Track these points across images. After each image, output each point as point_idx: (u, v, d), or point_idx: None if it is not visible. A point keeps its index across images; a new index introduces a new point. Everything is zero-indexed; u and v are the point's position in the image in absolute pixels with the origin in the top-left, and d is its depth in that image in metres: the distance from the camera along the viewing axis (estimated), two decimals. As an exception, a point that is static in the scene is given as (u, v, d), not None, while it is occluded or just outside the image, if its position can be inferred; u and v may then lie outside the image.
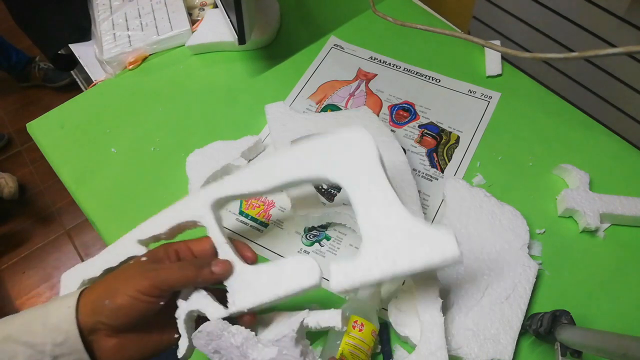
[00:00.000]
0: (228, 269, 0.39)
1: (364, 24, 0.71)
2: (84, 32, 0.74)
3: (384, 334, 0.46)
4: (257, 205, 0.55)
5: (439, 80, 0.65)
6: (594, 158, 0.57)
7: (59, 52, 0.77)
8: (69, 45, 0.74)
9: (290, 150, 0.42)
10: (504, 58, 0.66)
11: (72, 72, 0.96)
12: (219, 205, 0.43)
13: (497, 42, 0.62)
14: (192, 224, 0.43)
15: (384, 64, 0.67)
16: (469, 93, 0.63)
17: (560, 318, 0.42)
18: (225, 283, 0.39)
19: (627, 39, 0.82)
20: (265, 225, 0.53)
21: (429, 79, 0.65)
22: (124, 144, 0.61)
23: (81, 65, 0.73)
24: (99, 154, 0.61)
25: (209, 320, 0.38)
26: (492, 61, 0.65)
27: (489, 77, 0.65)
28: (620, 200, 0.51)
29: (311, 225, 0.52)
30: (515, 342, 0.44)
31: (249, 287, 0.39)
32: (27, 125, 0.64)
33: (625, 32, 0.82)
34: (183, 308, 0.39)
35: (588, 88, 0.95)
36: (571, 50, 0.83)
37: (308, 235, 0.52)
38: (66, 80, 1.81)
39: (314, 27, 0.72)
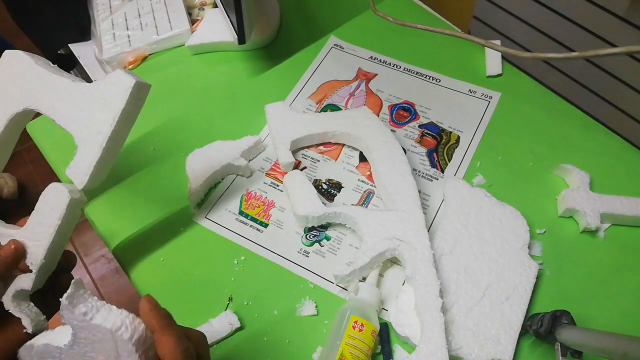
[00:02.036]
0: (16, 246, 0.40)
1: (364, 24, 0.71)
2: (84, 31, 0.74)
3: (384, 334, 0.46)
4: (257, 205, 0.55)
5: (439, 80, 0.65)
6: (594, 158, 0.57)
7: (59, 52, 0.77)
8: (69, 45, 0.74)
9: None
10: (504, 58, 0.66)
11: (72, 72, 0.96)
12: None
13: (498, 42, 0.62)
14: None
15: (384, 64, 0.67)
16: (469, 93, 0.63)
17: (561, 318, 0.42)
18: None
19: (627, 38, 0.82)
20: (265, 225, 0.53)
21: (429, 78, 0.65)
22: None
23: (81, 65, 0.72)
24: (99, 153, 0.60)
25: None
26: (493, 61, 0.65)
27: (489, 77, 0.65)
28: (620, 200, 0.51)
29: (311, 225, 0.52)
30: (516, 342, 0.44)
31: (30, 240, 0.41)
32: (27, 125, 0.64)
33: (625, 32, 0.82)
34: (5, 299, 0.40)
35: (588, 88, 0.95)
36: (571, 50, 0.83)
37: (308, 235, 0.52)
38: None
39: (314, 27, 0.72)
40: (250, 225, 0.53)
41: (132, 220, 0.54)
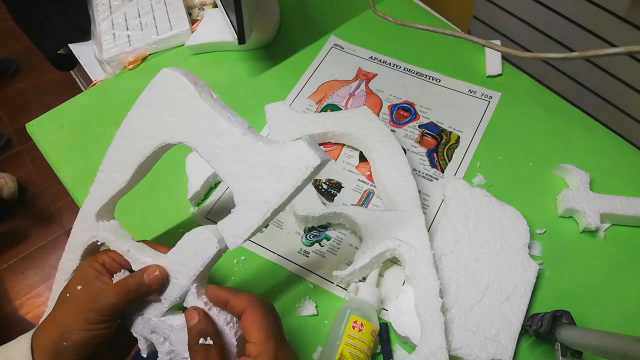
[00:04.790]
0: (161, 274, 0.38)
1: (364, 24, 0.71)
2: (84, 31, 0.74)
3: (384, 334, 0.46)
4: (257, 205, 0.55)
5: (439, 80, 0.65)
6: (594, 158, 0.57)
7: (59, 52, 0.77)
8: (69, 45, 0.74)
9: (127, 123, 0.43)
10: (505, 58, 0.66)
11: (71, 72, 0.96)
12: (103, 214, 0.43)
13: (498, 42, 0.61)
14: (95, 245, 0.43)
15: (384, 64, 0.67)
16: (469, 93, 0.63)
17: (561, 318, 0.42)
18: None
19: (628, 38, 0.82)
20: (265, 225, 0.53)
21: (429, 78, 0.65)
22: (123, 143, 0.61)
23: (81, 65, 0.73)
24: (99, 154, 0.60)
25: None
26: (493, 61, 0.65)
27: (489, 77, 0.65)
28: (620, 200, 0.51)
29: (311, 225, 0.52)
30: (516, 342, 0.44)
31: (170, 278, 0.39)
32: (27, 125, 0.64)
33: (625, 32, 0.82)
34: (131, 318, 0.40)
35: (588, 88, 0.95)
36: (571, 50, 0.83)
37: (308, 236, 0.52)
38: (14, 67, 1.84)
39: (314, 27, 0.72)
40: (250, 225, 0.53)
41: (132, 220, 0.54)
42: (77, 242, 0.44)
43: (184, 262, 0.38)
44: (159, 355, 0.39)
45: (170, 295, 0.38)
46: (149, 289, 0.38)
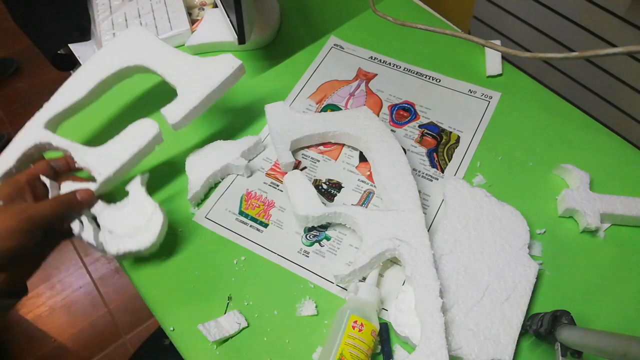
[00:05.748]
0: (89, 194, 0.48)
1: (364, 24, 0.71)
2: (84, 31, 0.74)
3: (384, 334, 0.46)
4: (257, 205, 0.55)
5: (439, 80, 0.65)
6: (594, 158, 0.57)
7: (59, 52, 0.77)
8: (69, 45, 0.74)
9: (97, 54, 0.57)
10: (504, 58, 0.66)
11: (71, 72, 0.96)
12: (52, 124, 0.53)
13: (498, 42, 0.61)
14: (35, 150, 0.52)
15: (384, 64, 0.67)
16: (469, 93, 0.63)
17: (561, 318, 0.42)
18: (83, 165, 0.50)
19: (628, 38, 0.82)
20: (265, 225, 0.53)
21: (429, 78, 0.65)
22: (123, 143, 0.61)
23: (81, 65, 0.72)
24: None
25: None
26: (493, 61, 0.65)
27: (489, 77, 0.65)
28: (620, 200, 0.51)
29: (311, 225, 0.52)
30: (516, 342, 0.44)
31: (106, 157, 0.50)
32: (27, 125, 0.64)
33: (625, 32, 0.82)
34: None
35: (588, 88, 0.95)
36: (571, 50, 0.83)
37: (308, 235, 0.52)
38: (14, 67, 1.84)
39: (314, 27, 0.72)
40: (250, 225, 0.53)
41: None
42: (15, 147, 0.51)
43: (123, 145, 0.50)
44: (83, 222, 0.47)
45: (106, 170, 0.48)
46: (80, 204, 0.47)
